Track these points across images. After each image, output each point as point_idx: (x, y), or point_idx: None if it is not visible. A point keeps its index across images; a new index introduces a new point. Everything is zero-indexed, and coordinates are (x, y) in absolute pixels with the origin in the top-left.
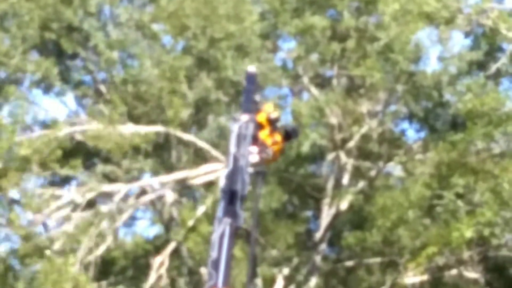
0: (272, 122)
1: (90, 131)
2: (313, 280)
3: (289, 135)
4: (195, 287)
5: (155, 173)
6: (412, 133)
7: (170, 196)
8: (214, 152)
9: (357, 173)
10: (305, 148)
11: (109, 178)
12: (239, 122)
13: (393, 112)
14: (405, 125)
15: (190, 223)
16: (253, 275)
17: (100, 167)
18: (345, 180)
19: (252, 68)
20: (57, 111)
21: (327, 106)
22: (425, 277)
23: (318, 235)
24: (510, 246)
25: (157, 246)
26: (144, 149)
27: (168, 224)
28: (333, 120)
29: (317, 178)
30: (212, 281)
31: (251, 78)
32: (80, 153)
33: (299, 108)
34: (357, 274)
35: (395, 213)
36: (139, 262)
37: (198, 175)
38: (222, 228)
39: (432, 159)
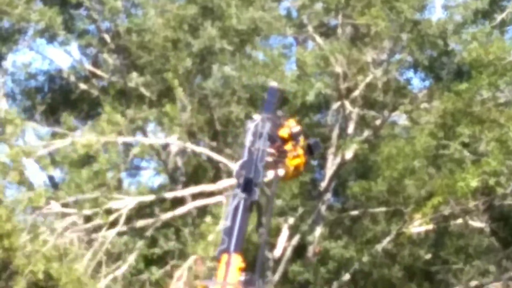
0: (294, 137)
1: None
2: (318, 230)
3: (311, 149)
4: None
5: (159, 122)
6: (417, 82)
7: (175, 145)
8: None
9: (362, 122)
10: (310, 97)
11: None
12: (255, 121)
13: (398, 61)
14: (410, 74)
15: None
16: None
17: (105, 116)
18: (350, 129)
19: (274, 83)
20: (62, 60)
21: (331, 55)
22: (430, 227)
23: (323, 184)
24: None
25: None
26: (148, 98)
27: (172, 174)
28: (338, 69)
29: (322, 127)
30: (224, 245)
31: (273, 92)
32: (85, 102)
33: (304, 57)
34: (362, 223)
35: (400, 163)
36: (143, 212)
37: None
38: (237, 201)
39: (437, 108)
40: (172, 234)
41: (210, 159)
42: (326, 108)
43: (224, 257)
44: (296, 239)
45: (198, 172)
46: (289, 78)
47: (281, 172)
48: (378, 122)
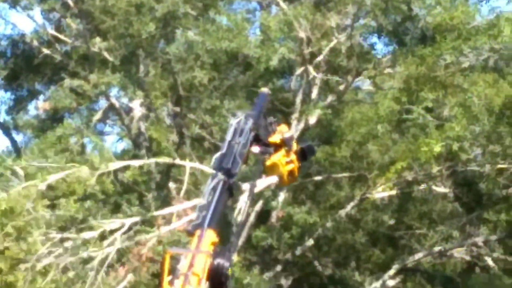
0: (287, 142)
1: None
2: (281, 195)
3: (304, 153)
4: (162, 202)
5: (123, 87)
6: (381, 47)
7: (138, 110)
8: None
9: (326, 88)
10: (274, 62)
11: (76, 92)
12: (237, 117)
13: (362, 26)
14: (374, 39)
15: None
16: None
17: (67, 82)
18: (314, 94)
19: (265, 89)
20: (24, 25)
21: (295, 20)
22: (393, 192)
23: None
24: (479, 161)
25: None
26: (111, 63)
27: (136, 139)
28: (302, 34)
29: (285, 92)
30: (198, 221)
31: (263, 97)
32: (48, 67)
33: (268, 22)
34: (326, 188)
35: (364, 128)
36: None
37: None
38: (216, 181)
39: (401, 73)
40: (135, 199)
41: (173, 124)
42: (289, 73)
43: (198, 231)
44: (259, 205)
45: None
46: (253, 43)
47: (275, 179)
48: (341, 87)
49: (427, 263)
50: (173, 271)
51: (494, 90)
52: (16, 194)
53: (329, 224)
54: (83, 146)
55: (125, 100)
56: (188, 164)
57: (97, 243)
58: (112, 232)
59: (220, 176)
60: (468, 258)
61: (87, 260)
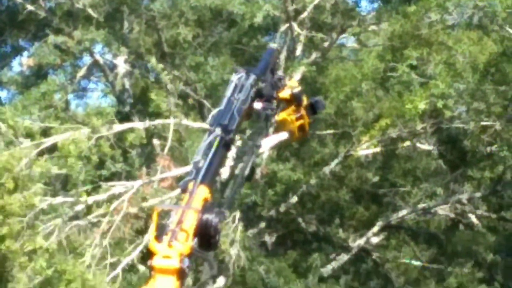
0: (296, 97)
1: None
2: (266, 152)
3: (314, 108)
4: (146, 159)
5: (107, 44)
6: (365, 4)
7: (122, 67)
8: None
9: (310, 45)
10: (258, 19)
11: (60, 49)
12: (239, 73)
13: None
14: None
15: None
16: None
17: (52, 38)
18: (298, 51)
19: (274, 44)
20: None
21: None
22: (378, 149)
23: None
24: (463, 118)
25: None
26: (95, 19)
27: (120, 96)
28: None
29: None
30: (191, 176)
31: (270, 52)
32: (32, 23)
33: None
34: (310, 145)
35: (348, 85)
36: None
37: None
38: (212, 137)
39: (385, 30)
40: (119, 155)
41: (157, 80)
42: (274, 30)
43: (190, 186)
44: None
45: (146, 93)
46: (237, 0)
47: (286, 135)
48: (326, 44)
49: (411, 220)
50: (165, 227)
51: (478, 48)
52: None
53: (313, 181)
54: (67, 102)
55: (109, 56)
56: (172, 121)
57: (104, 205)
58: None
59: (217, 131)
60: (452, 215)
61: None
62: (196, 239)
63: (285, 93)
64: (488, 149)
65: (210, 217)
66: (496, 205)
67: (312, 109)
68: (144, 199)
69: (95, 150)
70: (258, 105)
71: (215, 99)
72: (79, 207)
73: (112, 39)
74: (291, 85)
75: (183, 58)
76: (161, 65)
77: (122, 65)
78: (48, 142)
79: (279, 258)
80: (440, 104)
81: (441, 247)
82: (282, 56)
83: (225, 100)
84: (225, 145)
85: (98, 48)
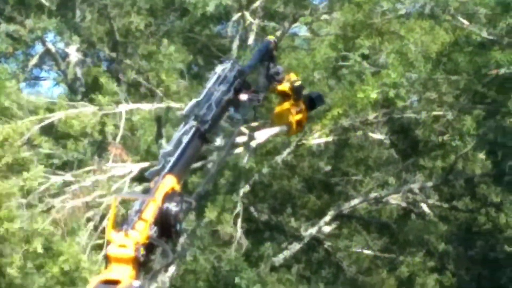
0: (296, 91)
1: None
2: (218, 141)
3: (313, 103)
4: (98, 148)
5: (59, 33)
6: None
7: (74, 56)
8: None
9: (262, 34)
10: (211, 8)
11: (12, 37)
12: (224, 64)
13: None
14: None
15: None
16: None
17: (3, 26)
18: (251, 40)
19: (271, 37)
20: None
21: None
22: (330, 138)
23: None
24: (415, 108)
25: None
26: (48, 8)
27: (72, 85)
28: None
29: (222, 38)
30: (159, 166)
31: (265, 44)
32: None
33: None
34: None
35: (300, 74)
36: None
37: None
38: (185, 128)
39: (337, 19)
40: (71, 144)
41: (109, 70)
42: (226, 19)
43: (156, 177)
44: None
45: (98, 82)
46: None
47: (284, 128)
48: (278, 33)
49: (363, 210)
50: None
51: (430, 37)
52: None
53: (265, 170)
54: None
55: (61, 45)
56: (124, 108)
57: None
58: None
59: (192, 122)
60: (403, 204)
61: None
62: (156, 228)
63: (284, 86)
64: (440, 138)
65: (170, 206)
66: (448, 195)
67: (312, 104)
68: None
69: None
70: (243, 96)
71: (167, 89)
72: (75, 187)
73: (64, 28)
74: (291, 79)
75: (135, 47)
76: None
77: (74, 53)
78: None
79: (229, 246)
80: (392, 93)
81: (392, 236)
82: (234, 45)
83: (204, 91)
84: (200, 136)
85: (50, 36)
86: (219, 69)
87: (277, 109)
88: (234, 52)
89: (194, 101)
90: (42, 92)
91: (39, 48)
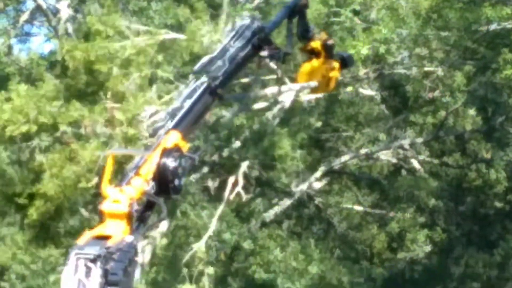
0: (327, 49)
1: None
2: None
3: (345, 62)
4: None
5: None
6: None
7: (65, 11)
8: None
9: None
10: None
11: None
12: (243, 21)
13: None
14: None
15: None
16: None
17: None
18: None
19: None
20: None
21: None
22: (320, 95)
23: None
24: (405, 64)
25: (52, 62)
26: None
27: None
28: None
29: None
30: (163, 122)
31: (296, 1)
32: None
33: None
34: (253, 90)
35: None
36: (33, 77)
37: None
38: (197, 83)
39: None
40: None
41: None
42: None
43: (161, 134)
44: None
45: (89, 37)
46: None
47: (315, 84)
48: None
49: (353, 166)
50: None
51: None
52: None
53: (255, 126)
54: (10, 47)
55: (52, 1)
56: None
57: None
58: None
59: (203, 79)
60: (394, 160)
61: None
62: (153, 184)
63: (315, 44)
64: (430, 94)
65: (168, 161)
66: (438, 151)
67: (343, 63)
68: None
69: None
70: (264, 52)
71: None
72: None
73: None
74: (322, 37)
75: (126, 3)
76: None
77: (65, 9)
78: None
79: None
80: (382, 49)
81: (383, 192)
82: (225, 0)
83: (219, 48)
84: (211, 92)
85: None
86: (237, 25)
87: (306, 66)
88: (225, 8)
89: (207, 57)
90: (33, 48)
91: (30, 4)
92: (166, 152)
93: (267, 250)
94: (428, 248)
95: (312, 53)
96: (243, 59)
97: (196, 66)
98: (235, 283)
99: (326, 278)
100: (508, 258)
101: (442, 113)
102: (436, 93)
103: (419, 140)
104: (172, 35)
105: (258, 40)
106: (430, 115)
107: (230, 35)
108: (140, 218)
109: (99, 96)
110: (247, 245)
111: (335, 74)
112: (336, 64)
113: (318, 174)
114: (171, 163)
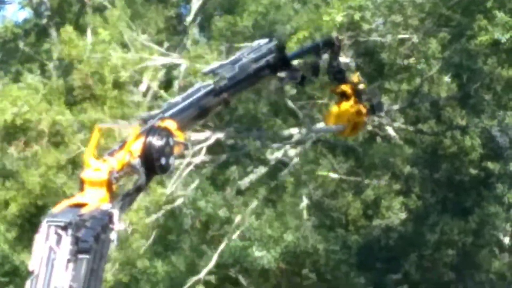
0: (357, 93)
1: None
2: (183, 65)
3: (373, 109)
4: (64, 71)
5: None
6: None
7: None
8: None
9: None
10: None
11: None
12: (261, 42)
13: None
14: None
15: None
16: None
17: None
18: None
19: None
20: None
21: None
22: (295, 62)
23: (188, 19)
24: (380, 31)
25: (26, 30)
26: None
27: (37, 8)
28: None
29: None
30: (158, 111)
31: (327, 38)
32: None
33: None
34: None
35: None
36: (8, 46)
37: None
38: (203, 84)
39: None
40: (37, 68)
41: None
42: None
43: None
44: (161, 74)
45: (63, 6)
46: None
47: (340, 127)
48: None
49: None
50: None
51: None
52: None
53: None
54: None
55: None
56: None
57: None
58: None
59: (209, 81)
60: (369, 127)
61: None
62: (139, 160)
63: (346, 87)
64: (406, 62)
65: (154, 139)
66: (413, 118)
67: (372, 109)
68: None
69: None
70: (282, 73)
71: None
72: None
73: None
74: (354, 80)
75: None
76: None
77: None
78: None
79: (196, 171)
80: (357, 16)
81: (358, 160)
82: None
83: (233, 57)
84: (216, 94)
85: None
86: (255, 43)
87: (335, 108)
88: None
89: (218, 63)
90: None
91: None
92: (153, 130)
93: (242, 217)
94: (403, 215)
95: (343, 96)
96: (255, 71)
97: (206, 69)
98: (210, 251)
99: (301, 246)
100: (483, 225)
101: (417, 80)
102: (411, 60)
103: (394, 107)
104: None
105: (274, 58)
106: (405, 82)
107: (247, 50)
108: (126, 197)
109: None
110: (222, 213)
111: (362, 119)
112: (364, 109)
113: (293, 141)
114: (157, 141)
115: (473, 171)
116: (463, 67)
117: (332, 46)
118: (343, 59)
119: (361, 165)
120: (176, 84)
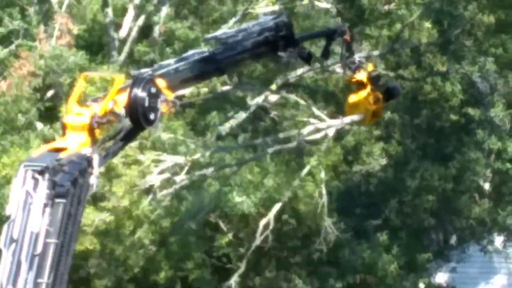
0: (373, 80)
1: None
2: (164, 10)
3: (390, 93)
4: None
5: None
6: None
7: None
8: None
9: None
10: None
11: None
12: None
13: None
14: None
15: None
16: None
17: None
18: None
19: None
20: None
21: None
22: (276, 7)
23: None
24: None
25: None
26: None
27: None
28: None
29: None
30: (147, 69)
31: (338, 27)
32: None
33: None
34: (209, 3)
35: None
36: None
37: None
38: (198, 51)
39: None
40: (17, 13)
41: None
42: None
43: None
44: (141, 19)
45: None
46: None
47: (360, 117)
48: None
49: (309, 79)
50: None
51: None
52: None
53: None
54: None
55: None
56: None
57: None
58: None
59: (206, 48)
60: (350, 73)
61: None
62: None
63: (361, 76)
64: (386, 7)
65: (138, 91)
66: (394, 63)
67: (388, 94)
68: (42, 57)
69: None
70: (283, 53)
71: None
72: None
73: None
74: (368, 69)
75: None
76: None
77: None
78: None
79: (176, 117)
80: None
81: (338, 105)
82: None
83: (240, 27)
84: (211, 61)
85: None
86: (262, 17)
87: (352, 98)
88: None
89: (221, 31)
90: None
91: None
92: (138, 81)
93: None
94: (383, 161)
95: (359, 85)
96: (253, 45)
97: (206, 36)
98: (190, 196)
99: (281, 191)
100: (463, 171)
101: (398, 25)
102: (392, 6)
103: (375, 53)
104: None
105: (278, 37)
106: (386, 28)
107: (253, 23)
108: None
109: None
110: (202, 158)
111: (379, 106)
112: (380, 96)
113: (273, 86)
114: (141, 93)
115: (453, 117)
116: (444, 12)
117: (344, 34)
118: (324, 4)
119: (342, 111)
120: (156, 30)
